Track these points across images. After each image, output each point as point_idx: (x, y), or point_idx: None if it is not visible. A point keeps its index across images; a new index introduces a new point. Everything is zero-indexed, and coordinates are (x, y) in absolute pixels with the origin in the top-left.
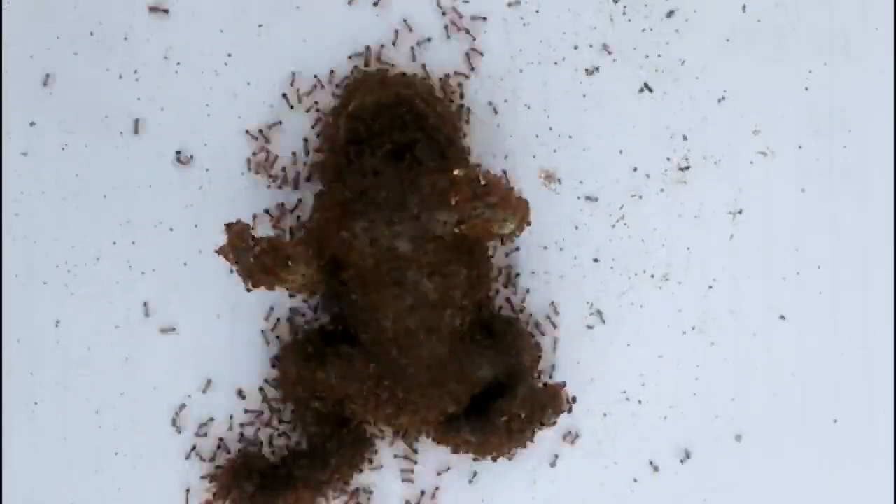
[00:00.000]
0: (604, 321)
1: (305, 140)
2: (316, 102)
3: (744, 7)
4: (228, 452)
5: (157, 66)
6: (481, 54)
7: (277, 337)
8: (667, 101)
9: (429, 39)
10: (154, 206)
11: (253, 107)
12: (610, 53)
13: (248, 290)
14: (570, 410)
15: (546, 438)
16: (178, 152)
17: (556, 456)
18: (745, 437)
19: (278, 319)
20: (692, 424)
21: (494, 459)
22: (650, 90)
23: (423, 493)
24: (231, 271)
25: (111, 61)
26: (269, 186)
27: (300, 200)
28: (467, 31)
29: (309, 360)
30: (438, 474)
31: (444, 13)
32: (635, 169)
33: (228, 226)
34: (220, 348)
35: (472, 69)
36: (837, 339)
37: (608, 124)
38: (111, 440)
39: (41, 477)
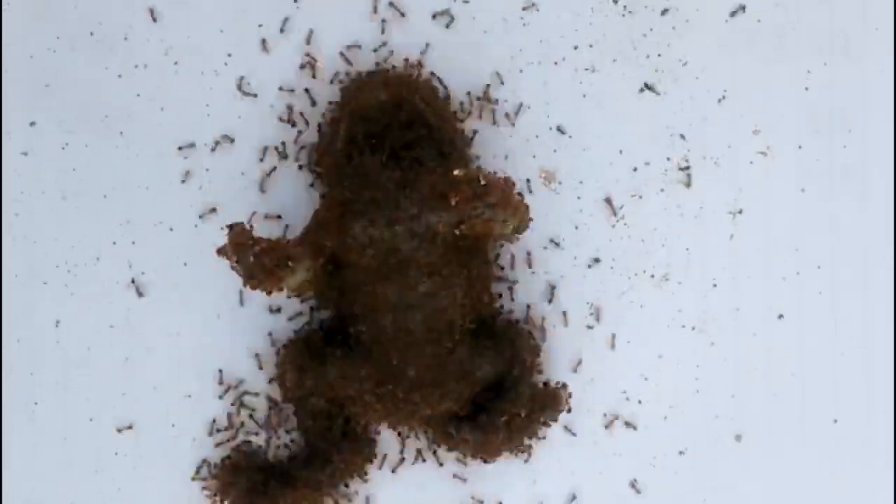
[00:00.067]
0: (604, 321)
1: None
2: (316, 103)
3: (744, 7)
4: (229, 452)
5: (156, 66)
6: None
7: (271, 333)
8: (667, 101)
9: (429, 41)
10: (154, 206)
11: (253, 107)
12: (610, 53)
13: (249, 290)
14: (569, 410)
15: (546, 438)
16: (180, 148)
17: (557, 456)
18: (744, 437)
19: (281, 313)
20: (692, 424)
21: (488, 460)
22: (650, 90)
23: (422, 493)
24: (231, 271)
25: (111, 61)
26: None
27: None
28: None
29: (309, 360)
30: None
31: (441, 14)
32: (635, 169)
33: (230, 226)
34: (221, 348)
35: (473, 68)
36: (837, 339)
37: (608, 124)
38: (111, 440)
39: (41, 477)
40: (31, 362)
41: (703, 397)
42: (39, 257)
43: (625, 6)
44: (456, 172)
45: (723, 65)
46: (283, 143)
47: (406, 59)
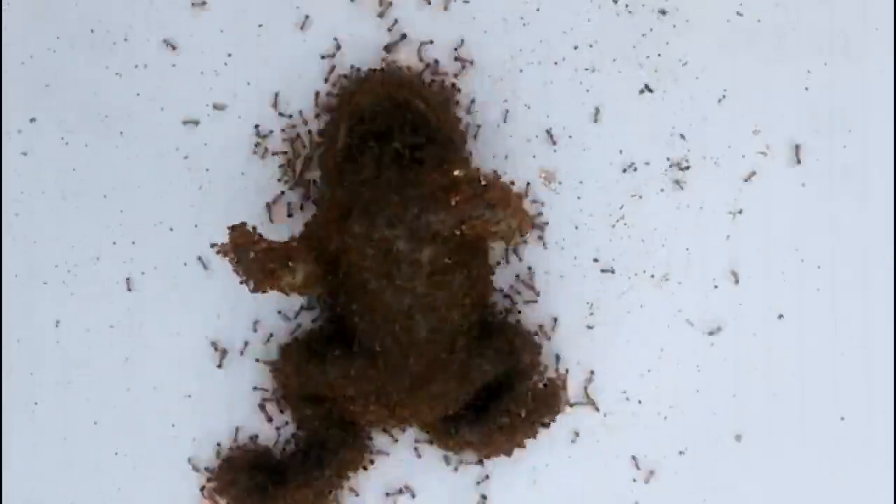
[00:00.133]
0: (604, 321)
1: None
2: (316, 102)
3: (743, 7)
4: (228, 451)
5: (156, 66)
6: (471, 62)
7: (271, 334)
8: (667, 101)
9: (431, 41)
10: (154, 206)
11: (253, 107)
12: (610, 53)
13: (250, 291)
14: (571, 405)
15: (546, 438)
16: (177, 149)
17: (557, 456)
18: (745, 437)
19: (282, 314)
20: (692, 424)
21: (483, 461)
22: (650, 90)
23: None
24: (231, 270)
25: (111, 61)
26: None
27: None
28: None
29: (308, 360)
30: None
31: (443, 14)
32: (635, 169)
33: (231, 227)
34: (221, 348)
35: (471, 65)
36: (837, 339)
37: (608, 124)
38: (111, 440)
39: (41, 477)
40: (31, 362)
41: (703, 397)
42: (39, 257)
43: (625, 6)
44: (456, 173)
45: (723, 65)
46: (286, 140)
47: (408, 67)
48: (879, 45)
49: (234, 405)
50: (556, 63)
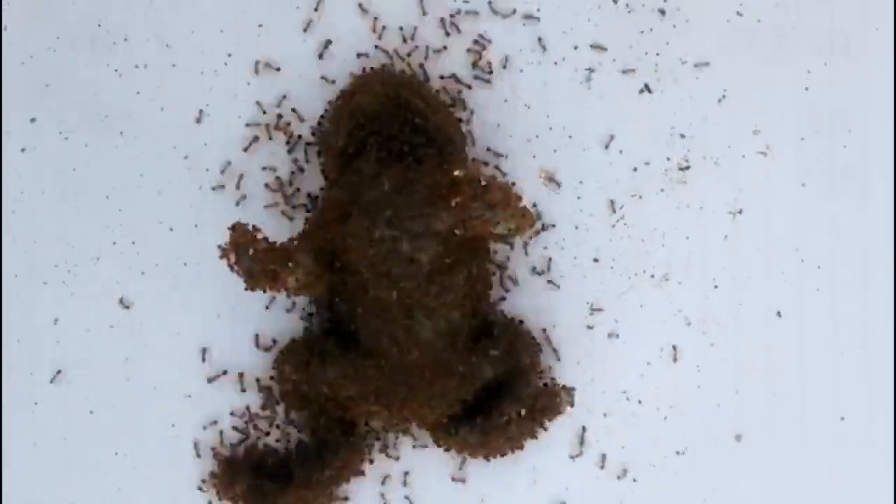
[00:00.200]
0: (604, 321)
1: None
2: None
3: (743, 7)
4: (228, 452)
5: (156, 66)
6: (479, 57)
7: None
8: (667, 101)
9: (430, 42)
10: (154, 206)
11: (253, 107)
12: (610, 53)
13: (249, 290)
14: (572, 404)
15: (547, 438)
16: (177, 149)
17: (557, 456)
18: (745, 437)
19: (282, 314)
20: (692, 424)
21: (487, 459)
22: (650, 90)
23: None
24: (232, 271)
25: (111, 61)
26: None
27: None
28: (458, 29)
29: (309, 360)
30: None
31: (443, 16)
32: (635, 169)
33: (232, 227)
34: (221, 348)
35: (473, 68)
36: (837, 339)
37: (608, 124)
38: (111, 440)
39: (41, 477)
40: (31, 362)
41: (704, 397)
42: (39, 257)
43: (625, 6)
44: (456, 173)
45: (723, 65)
46: (288, 142)
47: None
48: (879, 45)
49: (235, 406)
50: (556, 63)
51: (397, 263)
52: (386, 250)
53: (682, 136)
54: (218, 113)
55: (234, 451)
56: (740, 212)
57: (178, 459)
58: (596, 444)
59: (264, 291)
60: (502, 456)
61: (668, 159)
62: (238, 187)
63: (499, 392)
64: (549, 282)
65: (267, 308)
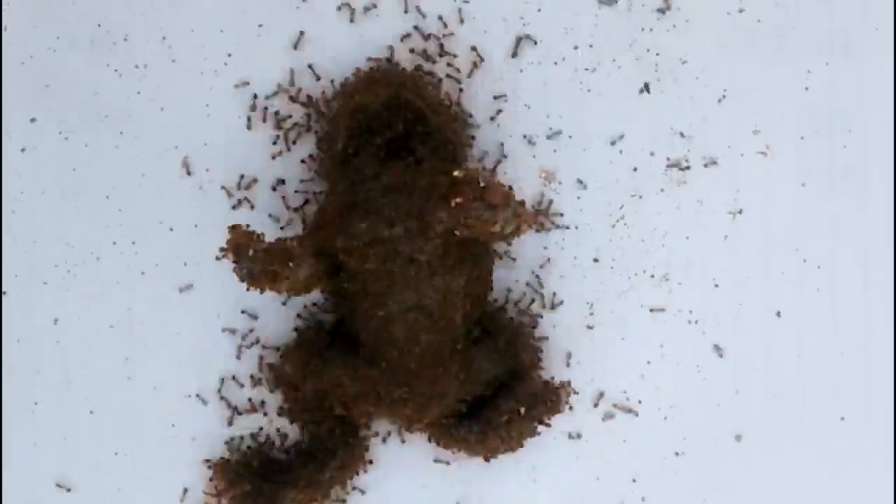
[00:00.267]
0: (604, 321)
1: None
2: (316, 101)
3: (743, 7)
4: (228, 452)
5: (157, 66)
6: (481, 58)
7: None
8: (666, 101)
9: (430, 42)
10: (154, 206)
11: (253, 106)
12: (610, 53)
13: (249, 290)
14: (570, 408)
15: (546, 438)
16: (177, 149)
17: (557, 456)
18: (745, 437)
19: (282, 314)
20: (692, 424)
21: (488, 459)
22: (650, 90)
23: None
24: (232, 271)
25: (111, 61)
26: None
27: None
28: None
29: (309, 360)
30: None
31: (443, 16)
32: (635, 169)
33: (232, 227)
34: (221, 348)
35: (474, 68)
36: (837, 339)
37: (608, 125)
38: (111, 440)
39: (41, 477)
40: (31, 362)
41: (704, 397)
42: (39, 257)
43: (625, 6)
44: (456, 173)
45: (723, 65)
46: (288, 140)
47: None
48: (879, 45)
49: (235, 406)
50: (556, 63)
51: (398, 263)
52: (386, 250)
53: (682, 135)
54: (218, 113)
55: (234, 452)
56: (740, 212)
57: (178, 459)
58: (596, 445)
59: (264, 291)
60: (502, 455)
61: (668, 159)
62: (238, 187)
63: (499, 392)
64: (538, 277)
65: (267, 308)
